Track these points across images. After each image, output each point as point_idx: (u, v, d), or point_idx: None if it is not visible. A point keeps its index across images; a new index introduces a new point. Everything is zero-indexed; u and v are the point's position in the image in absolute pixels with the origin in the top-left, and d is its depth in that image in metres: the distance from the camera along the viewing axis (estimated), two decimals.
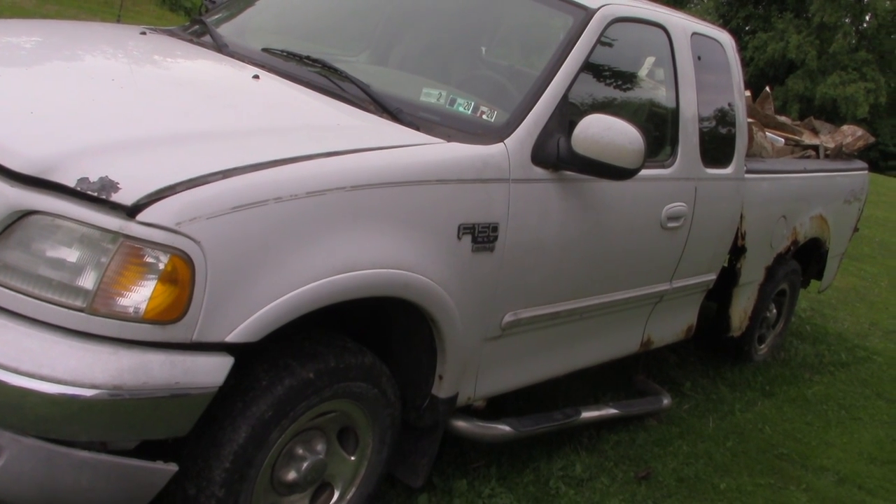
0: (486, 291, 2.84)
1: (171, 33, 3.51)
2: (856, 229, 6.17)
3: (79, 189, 1.98)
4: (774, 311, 5.39)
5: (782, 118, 5.98)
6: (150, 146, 2.19)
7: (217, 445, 2.24)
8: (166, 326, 2.03)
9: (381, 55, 3.80)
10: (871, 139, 6.09)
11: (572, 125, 2.93)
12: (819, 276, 5.84)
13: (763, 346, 5.46)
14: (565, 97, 3.04)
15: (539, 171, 2.93)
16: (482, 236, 2.74)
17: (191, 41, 3.37)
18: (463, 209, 2.67)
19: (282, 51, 3.20)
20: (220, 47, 3.23)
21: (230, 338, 2.11)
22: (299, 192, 2.22)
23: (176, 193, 2.03)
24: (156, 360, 2.02)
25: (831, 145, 5.73)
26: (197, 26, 3.59)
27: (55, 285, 1.99)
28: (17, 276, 2.00)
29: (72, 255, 2.00)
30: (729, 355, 5.22)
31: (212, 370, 2.10)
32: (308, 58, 3.12)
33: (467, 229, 2.68)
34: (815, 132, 5.95)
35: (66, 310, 1.98)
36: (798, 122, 6.08)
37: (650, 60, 3.79)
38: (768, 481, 3.85)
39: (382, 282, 2.43)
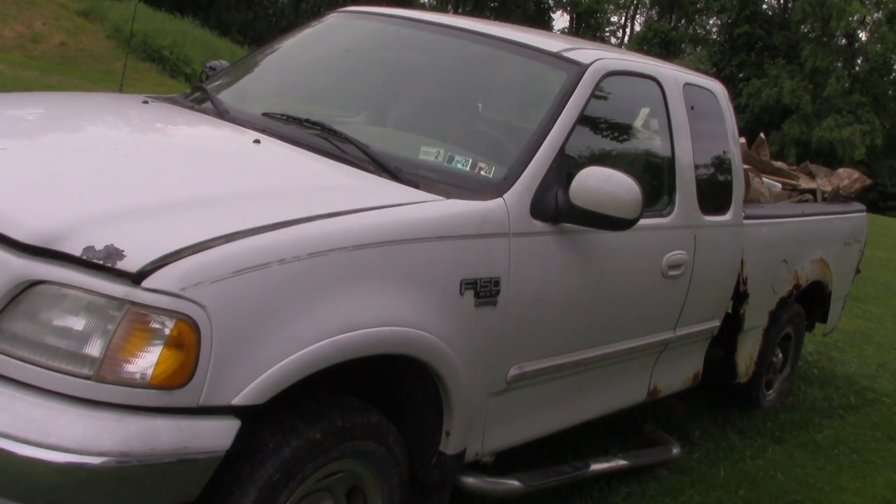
0: (491, 346, 2.85)
1: (173, 101, 3.58)
2: (858, 271, 6.18)
3: (85, 258, 2.01)
4: (780, 355, 5.38)
5: (778, 163, 6.04)
6: (154, 213, 2.22)
7: None
8: (173, 391, 2.04)
9: (380, 114, 3.86)
10: (868, 181, 6.13)
11: (570, 178, 2.98)
12: (824, 320, 5.83)
13: (771, 391, 5.43)
14: (562, 150, 3.09)
15: (538, 225, 2.96)
16: (484, 291, 2.76)
17: (192, 108, 3.44)
18: (464, 265, 2.69)
19: (281, 114, 3.25)
20: (221, 113, 3.28)
21: (236, 401, 2.12)
22: (301, 253, 2.25)
23: (180, 259, 2.06)
24: (163, 425, 2.03)
25: (828, 189, 5.78)
26: (198, 93, 3.66)
27: (62, 354, 2.00)
28: (23, 346, 2.02)
29: (78, 323, 2.02)
30: (737, 402, 5.19)
31: (219, 434, 2.10)
32: (307, 121, 3.17)
33: (469, 284, 2.70)
34: (812, 176, 6.01)
35: (73, 378, 1.99)
36: (794, 167, 6.14)
37: (644, 111, 3.85)
38: None
39: (385, 339, 2.44)
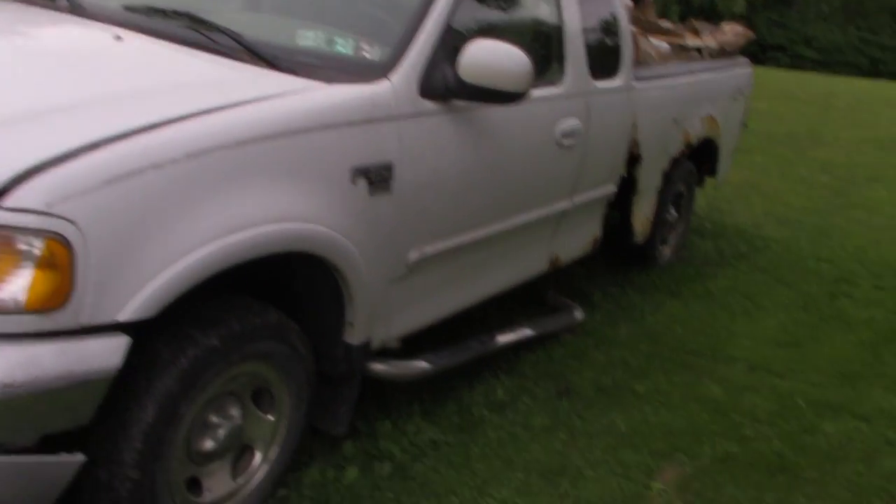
0: (388, 232, 2.79)
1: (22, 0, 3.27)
2: (745, 125, 6.32)
3: None
4: (674, 212, 5.51)
5: (664, 23, 6.01)
6: (8, 125, 2.03)
7: (125, 427, 2.16)
8: (51, 314, 1.92)
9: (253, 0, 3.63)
10: (752, 35, 6.20)
11: (456, 53, 2.87)
12: (714, 174, 5.97)
13: (666, 248, 5.59)
14: (448, 24, 2.96)
15: (428, 105, 2.87)
16: (377, 178, 2.67)
17: (44, 6, 3.15)
18: (354, 153, 2.59)
19: (144, 6, 3.01)
20: (77, 9, 3.02)
21: (122, 317, 2.01)
22: (178, 155, 2.11)
23: (43, 173, 1.90)
24: (46, 350, 1.91)
25: (714, 45, 5.81)
26: None
27: None
28: None
29: None
30: (635, 261, 5.33)
31: (107, 353, 2.00)
32: (173, 11, 2.95)
33: (361, 172, 2.61)
34: (697, 33, 6.01)
35: None
36: (679, 25, 6.13)
37: None
38: (683, 378, 3.97)
39: (278, 237, 2.35)
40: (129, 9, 3.03)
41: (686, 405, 3.71)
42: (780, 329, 4.77)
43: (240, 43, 2.75)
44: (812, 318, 4.99)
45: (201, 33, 2.81)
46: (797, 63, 31.05)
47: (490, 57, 2.84)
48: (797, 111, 14.38)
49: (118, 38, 2.73)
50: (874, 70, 33.75)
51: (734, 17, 33.69)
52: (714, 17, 33.79)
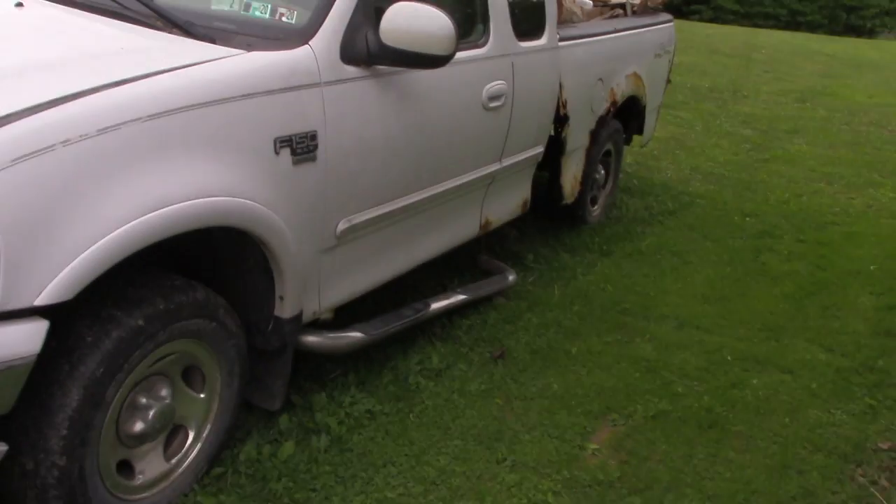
0: (315, 203, 2.73)
1: None
2: (669, 81, 6.37)
3: None
4: (603, 172, 5.54)
5: None
6: None
7: (49, 414, 2.09)
8: None
9: None
10: None
11: (378, 17, 2.81)
12: (640, 132, 6.02)
13: (596, 207, 5.63)
14: None
15: (350, 70, 2.80)
16: (301, 147, 2.61)
17: None
18: (276, 122, 2.52)
19: None
20: None
21: (40, 300, 1.93)
22: (89, 130, 2.02)
23: None
24: None
25: (636, 1, 5.82)
26: None
27: None
28: None
29: None
30: (565, 222, 5.36)
31: (25, 338, 1.93)
32: None
33: (284, 142, 2.55)
34: None
35: None
36: None
37: None
38: (615, 338, 4.02)
39: (200, 213, 2.27)
40: None
41: (618, 365, 3.75)
42: (707, 285, 4.85)
43: (150, 8, 2.64)
44: (737, 272, 5.09)
45: None
46: (720, 16, 31.44)
47: (412, 20, 2.78)
48: (720, 65, 14.54)
49: (19, 4, 2.59)
50: (793, 22, 34.42)
51: None
52: None
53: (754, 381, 3.72)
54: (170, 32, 2.58)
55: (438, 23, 2.80)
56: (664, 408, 3.43)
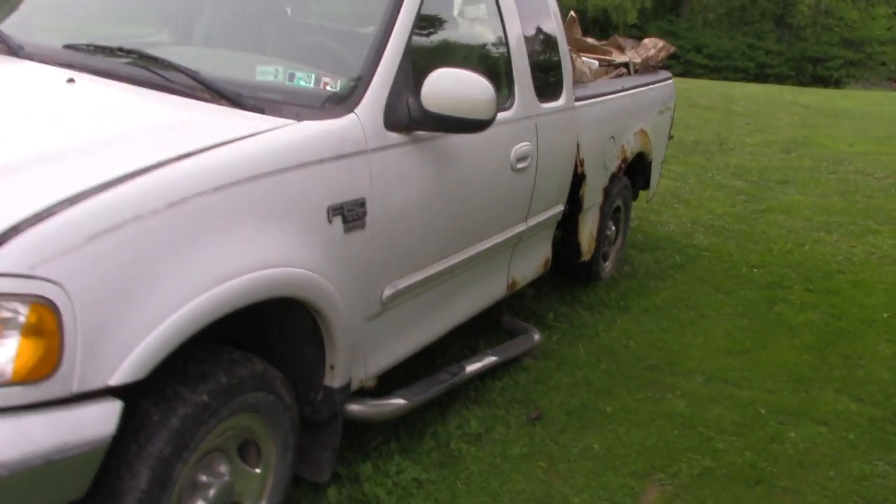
0: (364, 270, 2.71)
1: None
2: (670, 136, 6.46)
3: None
4: (613, 228, 5.57)
5: (590, 40, 6.10)
6: None
7: (117, 497, 2.02)
8: (41, 384, 1.79)
9: (184, 30, 3.51)
10: (672, 48, 6.34)
11: (417, 83, 2.83)
12: (647, 187, 6.07)
13: (608, 263, 5.64)
14: (406, 53, 2.91)
15: (393, 137, 2.81)
16: (352, 214, 2.60)
17: None
18: (329, 190, 2.52)
19: (87, 45, 2.87)
20: (15, 50, 2.86)
21: (114, 380, 1.89)
22: (159, 205, 2.00)
23: (21, 233, 1.77)
24: (36, 423, 1.78)
25: (638, 60, 5.92)
26: None
27: None
28: None
29: None
30: (580, 279, 5.35)
31: (100, 420, 1.88)
32: (120, 49, 2.81)
33: (336, 210, 2.53)
34: (622, 49, 6.12)
35: None
36: (604, 42, 6.22)
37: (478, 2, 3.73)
38: (647, 395, 3.99)
39: (264, 284, 2.25)
40: (70, 48, 2.88)
41: (654, 422, 3.72)
42: (727, 338, 4.85)
43: (197, 80, 2.64)
44: (754, 324, 5.10)
45: (154, 72, 2.69)
46: (690, 69, 32.10)
47: (454, 86, 2.80)
48: (702, 118, 14.77)
49: (71, 80, 2.58)
50: (761, 74, 35.21)
51: (628, 27, 34.71)
52: (609, 27, 34.75)
53: (792, 434, 3.70)
54: (219, 104, 2.57)
55: (480, 88, 2.82)
56: (708, 465, 3.39)
